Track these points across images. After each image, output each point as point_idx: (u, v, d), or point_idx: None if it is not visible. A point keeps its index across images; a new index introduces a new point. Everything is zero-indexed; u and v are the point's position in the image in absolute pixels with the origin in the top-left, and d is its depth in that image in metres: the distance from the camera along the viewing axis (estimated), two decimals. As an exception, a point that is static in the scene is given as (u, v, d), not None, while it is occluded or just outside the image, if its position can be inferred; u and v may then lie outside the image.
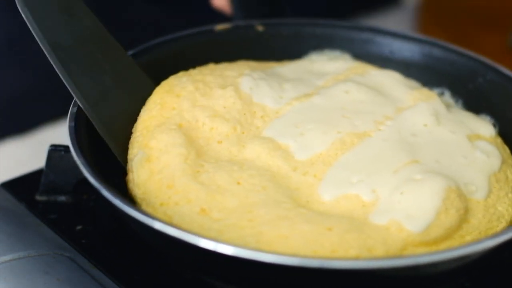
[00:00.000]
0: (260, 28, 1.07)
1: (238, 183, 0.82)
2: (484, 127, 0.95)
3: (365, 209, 0.81)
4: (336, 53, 1.08)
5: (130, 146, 0.88)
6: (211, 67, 0.99)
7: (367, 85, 0.96)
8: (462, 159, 0.88)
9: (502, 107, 0.98)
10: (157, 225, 0.74)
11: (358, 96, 0.94)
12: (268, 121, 0.90)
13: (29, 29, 1.24)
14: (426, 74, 1.05)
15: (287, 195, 0.82)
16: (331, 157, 0.86)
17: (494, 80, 1.00)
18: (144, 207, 0.82)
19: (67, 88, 0.85)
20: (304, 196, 0.83)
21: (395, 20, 1.62)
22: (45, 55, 1.27)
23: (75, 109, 0.87)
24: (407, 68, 1.06)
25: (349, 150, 0.86)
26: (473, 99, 1.02)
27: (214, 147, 0.87)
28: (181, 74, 0.96)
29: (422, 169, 0.84)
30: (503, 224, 0.84)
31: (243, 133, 0.89)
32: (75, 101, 0.87)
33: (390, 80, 0.99)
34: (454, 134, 0.91)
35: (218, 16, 1.16)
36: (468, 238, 0.81)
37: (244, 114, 0.90)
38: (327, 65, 1.03)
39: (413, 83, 1.02)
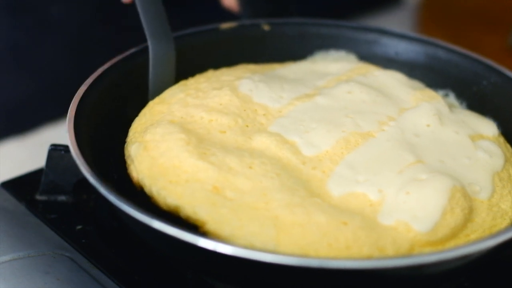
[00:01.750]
0: (266, 27, 1.07)
1: (250, 168, 0.82)
2: (486, 126, 0.95)
3: (373, 208, 0.81)
4: (342, 54, 1.08)
5: (125, 150, 0.88)
6: (208, 74, 0.99)
7: (370, 85, 0.96)
8: (466, 160, 0.88)
9: (506, 110, 0.98)
10: (156, 224, 0.74)
11: (360, 97, 0.94)
12: (272, 119, 0.90)
13: (31, 35, 1.25)
14: (430, 75, 1.05)
15: (300, 184, 0.82)
16: (337, 156, 0.86)
17: (498, 83, 1.00)
18: (154, 188, 0.81)
19: (67, 90, 0.85)
20: (315, 188, 0.83)
21: (395, 20, 1.62)
22: (46, 59, 1.28)
23: (75, 109, 0.87)
24: (412, 70, 1.06)
25: (354, 149, 0.87)
26: (477, 101, 1.02)
27: (217, 136, 0.87)
28: (178, 84, 0.96)
29: (427, 169, 0.84)
30: (506, 221, 0.84)
31: (247, 126, 0.89)
32: (74, 100, 0.87)
33: (393, 81, 0.99)
34: (457, 134, 0.91)
35: (225, 14, 1.17)
36: (473, 236, 0.82)
37: (244, 110, 0.90)
38: (330, 66, 1.03)
39: (416, 83, 1.02)
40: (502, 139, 0.95)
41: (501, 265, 0.88)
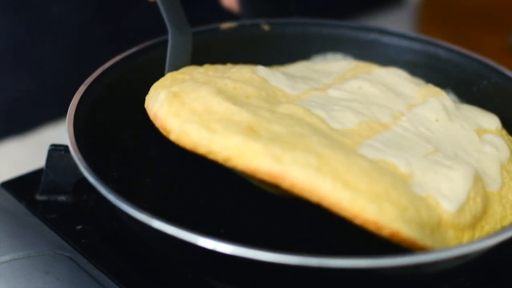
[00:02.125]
0: (266, 27, 1.07)
1: (282, 120, 0.81)
2: (489, 120, 0.96)
3: (404, 179, 0.81)
4: (338, 57, 1.08)
5: (148, 103, 0.86)
6: (218, 66, 0.99)
7: (376, 82, 0.97)
8: (476, 154, 0.89)
9: (507, 110, 0.99)
10: (156, 224, 0.74)
11: (371, 91, 0.94)
12: (292, 101, 0.89)
13: (31, 34, 1.26)
14: (430, 75, 1.05)
15: (333, 141, 0.81)
16: (364, 133, 0.86)
17: (498, 83, 1.01)
18: (185, 125, 0.79)
19: (67, 90, 0.85)
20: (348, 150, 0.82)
21: (395, 20, 1.62)
22: (46, 59, 1.28)
23: (74, 109, 0.87)
24: (412, 70, 1.06)
25: (377, 134, 0.87)
26: (477, 101, 1.02)
27: (243, 100, 0.85)
28: (194, 66, 0.96)
29: (447, 158, 0.85)
30: None
31: (269, 99, 0.88)
32: (74, 100, 0.87)
33: (397, 78, 0.99)
34: (465, 129, 0.92)
35: (225, 14, 1.17)
36: (487, 227, 0.83)
37: (266, 88, 0.90)
38: (331, 65, 1.04)
39: (418, 80, 1.02)
40: (504, 132, 0.96)
41: (502, 264, 0.88)
